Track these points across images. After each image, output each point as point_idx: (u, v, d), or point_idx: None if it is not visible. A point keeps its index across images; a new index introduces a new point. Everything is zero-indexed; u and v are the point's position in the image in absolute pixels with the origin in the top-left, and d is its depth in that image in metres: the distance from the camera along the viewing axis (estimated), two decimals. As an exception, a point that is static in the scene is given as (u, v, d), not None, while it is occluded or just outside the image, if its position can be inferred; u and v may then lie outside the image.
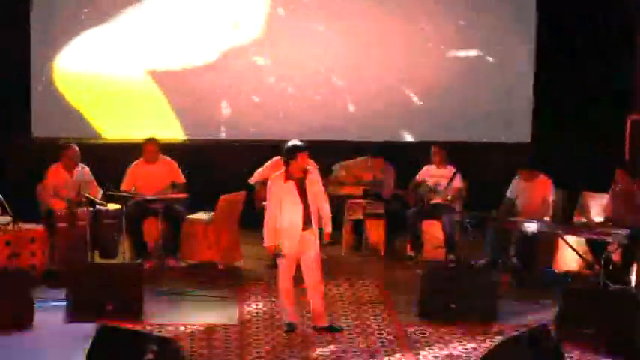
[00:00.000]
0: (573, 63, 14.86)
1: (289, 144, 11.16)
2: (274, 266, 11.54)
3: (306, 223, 10.99)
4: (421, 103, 15.50)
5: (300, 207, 10.95)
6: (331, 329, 11.26)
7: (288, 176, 11.00)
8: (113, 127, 15.62)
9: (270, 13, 15.54)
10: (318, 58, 15.58)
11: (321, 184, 11.32)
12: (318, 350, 10.81)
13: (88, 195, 13.07)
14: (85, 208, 12.95)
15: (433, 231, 13.68)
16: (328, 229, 11.24)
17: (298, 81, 15.69)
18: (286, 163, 11.02)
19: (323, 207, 11.15)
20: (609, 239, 12.45)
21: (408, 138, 15.39)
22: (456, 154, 14.02)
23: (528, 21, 15.33)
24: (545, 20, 15.19)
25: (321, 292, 11.31)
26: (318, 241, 11.18)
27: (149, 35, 15.63)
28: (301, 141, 11.21)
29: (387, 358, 10.66)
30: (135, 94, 15.63)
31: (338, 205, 13.74)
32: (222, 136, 15.75)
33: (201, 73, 15.61)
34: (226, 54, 15.61)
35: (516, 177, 13.30)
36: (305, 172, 11.02)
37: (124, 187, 13.38)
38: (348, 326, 11.48)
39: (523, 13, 15.38)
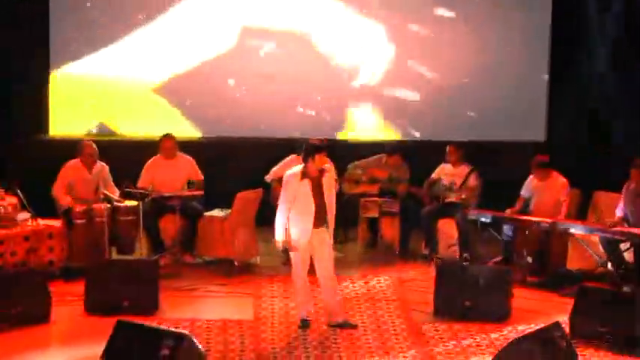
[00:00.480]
0: (586, 64, 14.84)
1: (308, 143, 11.22)
2: (290, 263, 11.55)
3: (319, 220, 11.02)
4: (436, 102, 15.51)
5: (313, 205, 10.98)
6: (345, 326, 11.30)
7: (304, 174, 11.02)
8: (129, 125, 15.66)
9: (283, 15, 15.61)
10: (332, 58, 15.59)
11: (334, 186, 11.39)
12: (333, 347, 10.85)
13: (105, 192, 13.13)
14: (103, 205, 13.00)
15: (448, 229, 13.72)
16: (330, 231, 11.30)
17: (312, 80, 15.71)
18: (304, 161, 11.06)
19: (331, 210, 11.19)
20: (623, 238, 12.47)
21: (423, 137, 15.38)
22: (471, 153, 14.03)
23: (543, 21, 15.32)
24: (559, 21, 15.17)
25: (334, 288, 11.37)
26: (331, 239, 11.25)
27: (163, 36, 15.73)
28: (320, 140, 11.27)
29: (401, 354, 10.67)
30: (150, 94, 15.67)
31: (353, 202, 13.79)
32: (238, 134, 15.75)
33: (215, 72, 15.65)
34: (240, 55, 15.65)
35: (531, 176, 13.30)
36: (322, 171, 11.05)
37: (141, 183, 13.43)
38: (363, 323, 11.52)
39: (538, 14, 15.37)
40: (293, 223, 11.09)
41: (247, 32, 15.68)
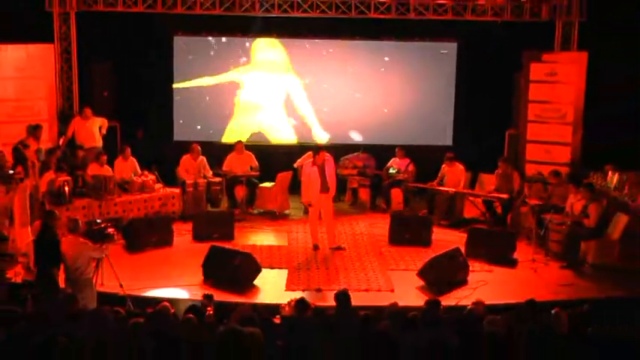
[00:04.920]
0: (477, 95, 14.63)
1: (316, 146, 11.94)
2: (307, 213, 11.60)
3: (323, 189, 11.23)
4: (390, 122, 15.20)
5: (319, 180, 11.17)
6: (338, 248, 11.44)
7: (314, 162, 11.18)
8: (216, 133, 15.30)
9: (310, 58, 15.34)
10: (337, 97, 15.25)
11: (334, 168, 11.53)
12: (331, 261, 10.92)
13: (204, 173, 13.18)
14: (203, 180, 13.05)
15: (397, 195, 13.63)
16: (333, 193, 11.53)
17: (320, 109, 15.42)
18: (314, 156, 11.24)
19: (332, 183, 11.38)
20: (495, 200, 12.50)
21: (384, 142, 15.04)
22: (410, 151, 13.94)
23: (451, 70, 15.01)
24: (461, 68, 14.94)
25: (333, 227, 11.54)
26: (332, 199, 11.53)
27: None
28: (320, 145, 11.56)
29: (369, 266, 10.76)
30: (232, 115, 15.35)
31: (343, 179, 13.76)
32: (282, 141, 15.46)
33: (269, 101, 15.33)
34: (283, 93, 15.39)
35: (443, 164, 13.26)
36: (324, 160, 11.22)
37: (224, 167, 13.39)
38: (349, 248, 11.59)
39: (448, 67, 15.06)
40: (310, 191, 11.21)
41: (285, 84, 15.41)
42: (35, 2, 13.54)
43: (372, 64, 15.11)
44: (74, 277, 8.36)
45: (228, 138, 14.99)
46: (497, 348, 6.79)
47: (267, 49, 15.04)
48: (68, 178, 11.62)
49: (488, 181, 13.07)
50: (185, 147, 13.62)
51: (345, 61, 15.09)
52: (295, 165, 13.40)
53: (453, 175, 13.09)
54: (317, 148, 11.43)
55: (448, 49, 15.02)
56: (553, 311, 7.40)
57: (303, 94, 15.15)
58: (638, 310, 8.10)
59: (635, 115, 12.94)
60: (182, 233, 11.89)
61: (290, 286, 9.86)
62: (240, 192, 13.35)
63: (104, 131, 13.63)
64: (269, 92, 15.14)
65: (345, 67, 15.11)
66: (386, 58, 15.07)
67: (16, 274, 9.47)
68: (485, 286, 9.91)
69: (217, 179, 13.21)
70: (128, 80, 14.53)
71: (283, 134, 15.23)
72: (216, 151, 14.01)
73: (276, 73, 15.10)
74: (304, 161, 12.11)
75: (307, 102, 15.19)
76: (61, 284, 8.42)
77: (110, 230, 9.16)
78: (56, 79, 13.86)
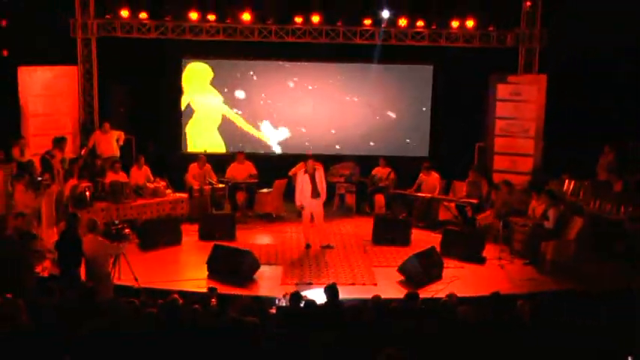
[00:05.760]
0: (450, 112, 14.64)
1: (307, 155, 11.80)
2: (300, 215, 11.60)
3: (314, 195, 11.20)
4: (374, 136, 15.25)
5: (310, 187, 11.15)
6: (328, 247, 11.40)
7: (305, 171, 11.21)
8: (217, 146, 15.34)
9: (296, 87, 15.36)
10: (323, 117, 15.33)
11: (323, 176, 11.51)
12: (321, 258, 10.90)
13: (209, 180, 13.16)
14: (208, 186, 13.02)
15: (380, 200, 13.64)
16: (323, 198, 11.40)
17: (315, 128, 15.44)
18: (305, 164, 11.30)
19: (322, 190, 11.33)
20: (466, 204, 12.51)
21: (369, 153, 15.11)
22: (391, 161, 13.97)
23: (428, 90, 15.05)
24: (436, 88, 14.97)
25: (323, 228, 11.51)
26: (322, 205, 11.43)
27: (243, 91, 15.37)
28: (311, 154, 11.64)
29: (355, 263, 10.73)
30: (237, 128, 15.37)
31: (332, 186, 13.75)
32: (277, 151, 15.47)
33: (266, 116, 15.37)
34: (280, 111, 15.38)
35: (421, 173, 13.28)
36: (314, 168, 11.21)
37: (227, 175, 13.39)
38: (337, 247, 11.56)
39: (425, 87, 15.09)
40: (302, 196, 11.20)
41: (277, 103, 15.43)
42: (61, 29, 13.69)
43: (361, 85, 15.12)
44: (93, 271, 8.36)
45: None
46: (469, 335, 6.83)
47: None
48: (89, 184, 11.68)
49: (460, 188, 13.05)
50: (193, 157, 13.67)
51: (336, 82, 15.12)
52: (290, 173, 13.40)
53: (429, 183, 13.08)
54: (307, 157, 11.51)
55: (425, 74, 15.04)
56: (518, 303, 7.44)
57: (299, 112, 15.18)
58: (589, 301, 8.16)
59: (590, 129, 12.99)
60: (189, 233, 11.84)
61: (285, 281, 9.85)
62: (241, 197, 13.32)
63: (121, 143, 13.65)
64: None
65: (338, 88, 15.16)
66: (370, 80, 15.09)
67: (44, 269, 9.46)
68: (457, 281, 9.93)
69: (221, 185, 13.18)
70: (142, 97, 14.55)
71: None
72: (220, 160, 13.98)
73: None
74: (297, 170, 12.14)
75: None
76: (82, 278, 8.40)
77: (126, 230, 9.24)
78: (79, 96, 14.04)
